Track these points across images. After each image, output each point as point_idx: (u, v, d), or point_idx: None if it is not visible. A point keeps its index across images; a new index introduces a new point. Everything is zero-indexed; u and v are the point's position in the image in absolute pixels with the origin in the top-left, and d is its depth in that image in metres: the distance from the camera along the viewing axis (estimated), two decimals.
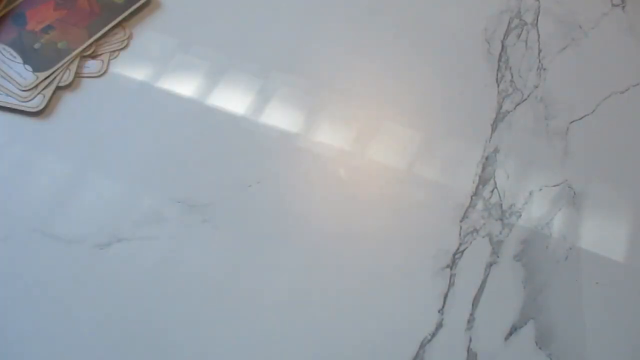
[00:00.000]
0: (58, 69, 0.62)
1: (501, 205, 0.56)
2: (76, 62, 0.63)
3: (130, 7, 0.66)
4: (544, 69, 0.64)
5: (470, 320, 0.51)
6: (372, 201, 0.56)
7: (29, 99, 0.60)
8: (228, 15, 0.68)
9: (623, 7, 0.69)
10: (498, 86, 0.63)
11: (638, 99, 0.63)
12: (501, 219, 0.56)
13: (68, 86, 0.61)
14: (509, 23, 0.68)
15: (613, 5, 0.69)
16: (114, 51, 0.64)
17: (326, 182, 0.57)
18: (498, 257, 0.54)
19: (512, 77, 0.64)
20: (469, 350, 0.50)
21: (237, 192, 0.56)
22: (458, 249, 0.54)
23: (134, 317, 0.50)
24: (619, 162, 0.59)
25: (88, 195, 0.56)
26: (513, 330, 0.51)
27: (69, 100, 0.61)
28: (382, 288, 0.52)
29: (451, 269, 0.53)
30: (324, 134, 0.60)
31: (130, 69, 0.63)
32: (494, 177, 0.58)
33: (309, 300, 0.51)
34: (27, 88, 0.60)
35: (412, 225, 0.55)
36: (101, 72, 0.63)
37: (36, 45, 0.63)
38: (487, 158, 0.59)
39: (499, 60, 0.65)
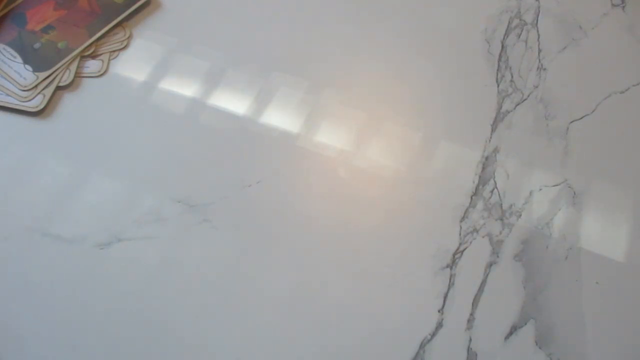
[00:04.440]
0: (58, 69, 0.62)
1: (501, 205, 0.56)
2: (76, 62, 0.63)
3: (130, 7, 0.66)
4: (544, 69, 0.64)
5: (470, 320, 0.51)
6: (372, 201, 0.56)
7: (29, 98, 0.60)
8: (228, 15, 0.68)
9: (623, 7, 0.69)
10: (498, 86, 0.63)
11: (638, 99, 0.63)
12: (501, 219, 0.56)
13: (68, 86, 0.61)
14: (509, 23, 0.68)
15: (613, 5, 0.69)
16: (114, 51, 0.64)
17: (326, 182, 0.57)
18: (498, 257, 0.54)
19: (512, 77, 0.64)
20: (469, 350, 0.50)
21: (237, 192, 0.56)
22: (458, 248, 0.54)
23: (134, 317, 0.50)
24: (619, 162, 0.59)
25: (88, 195, 0.56)
26: (513, 330, 0.51)
27: (69, 100, 0.61)
28: (382, 288, 0.52)
29: (451, 268, 0.53)
30: (324, 134, 0.60)
31: (130, 69, 0.63)
32: (494, 177, 0.58)
33: (309, 300, 0.51)
34: (27, 88, 0.60)
35: (412, 225, 0.55)
36: (101, 72, 0.63)
37: (36, 45, 0.63)
38: (487, 158, 0.59)
39: (499, 60, 0.65)
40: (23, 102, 0.60)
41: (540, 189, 0.57)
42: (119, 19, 0.65)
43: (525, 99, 0.62)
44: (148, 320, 0.50)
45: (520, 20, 0.68)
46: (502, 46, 0.66)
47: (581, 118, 0.61)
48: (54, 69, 0.62)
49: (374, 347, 0.50)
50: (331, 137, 0.60)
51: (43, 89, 0.61)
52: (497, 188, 0.57)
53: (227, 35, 0.66)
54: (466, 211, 0.56)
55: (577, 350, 0.50)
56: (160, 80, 0.63)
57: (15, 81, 0.61)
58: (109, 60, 0.64)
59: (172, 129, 0.60)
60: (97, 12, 0.66)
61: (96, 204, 0.55)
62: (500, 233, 0.55)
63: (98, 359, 0.49)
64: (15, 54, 0.62)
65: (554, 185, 0.57)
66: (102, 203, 0.55)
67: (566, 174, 0.58)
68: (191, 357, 0.49)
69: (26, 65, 0.62)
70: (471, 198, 0.57)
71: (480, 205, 0.56)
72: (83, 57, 0.63)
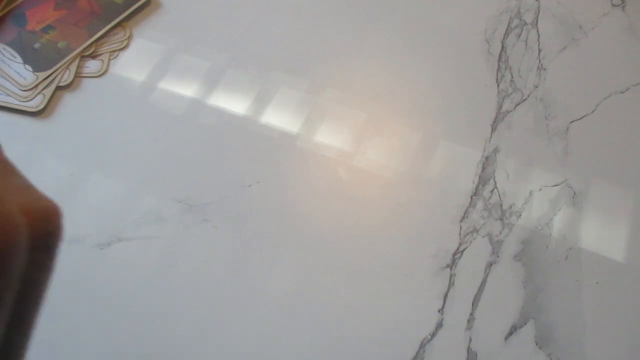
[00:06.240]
0: (58, 69, 0.62)
1: (501, 205, 0.56)
2: (76, 62, 0.63)
3: (130, 7, 0.66)
4: (544, 69, 0.64)
5: (470, 320, 0.51)
6: (372, 201, 0.56)
7: (29, 98, 0.60)
8: (228, 15, 0.68)
9: (623, 7, 0.69)
10: (498, 86, 0.63)
11: (638, 99, 0.63)
12: (501, 219, 0.56)
13: (68, 86, 0.61)
14: (509, 23, 0.68)
15: (613, 5, 0.69)
16: (114, 51, 0.64)
17: (326, 182, 0.57)
18: (498, 257, 0.54)
19: (512, 77, 0.64)
20: (469, 350, 0.50)
21: (237, 192, 0.56)
22: (458, 248, 0.54)
23: (134, 317, 0.50)
24: (619, 162, 0.59)
25: (88, 195, 0.56)
26: (513, 330, 0.51)
27: (69, 100, 0.61)
28: (382, 288, 0.52)
29: (451, 268, 0.53)
30: (324, 134, 0.60)
31: (130, 69, 0.63)
32: (494, 177, 0.58)
33: (309, 300, 0.51)
34: (27, 88, 0.60)
35: (412, 225, 0.55)
36: (101, 72, 0.63)
37: (36, 45, 0.63)
38: (487, 158, 0.59)
39: (499, 60, 0.65)
40: (23, 102, 0.60)
41: (540, 189, 0.57)
42: (119, 19, 0.66)
43: (525, 99, 0.62)
44: (148, 320, 0.50)
45: (520, 20, 0.68)
46: (502, 46, 0.66)
47: (581, 118, 0.61)
48: (54, 69, 0.62)
49: (374, 347, 0.50)
50: (331, 137, 0.60)
51: (43, 89, 0.61)
52: (497, 188, 0.57)
53: (227, 35, 0.66)
54: (466, 211, 0.56)
55: (577, 350, 0.50)
56: (160, 80, 0.63)
57: (15, 81, 0.61)
58: (109, 60, 0.64)
59: (172, 129, 0.60)
60: (97, 12, 0.66)
61: (96, 203, 0.55)
62: (500, 233, 0.55)
63: (98, 357, 0.49)
64: (15, 54, 0.62)
65: (554, 185, 0.57)
66: (102, 203, 0.55)
67: (566, 174, 0.58)
68: (191, 356, 0.49)
69: (26, 65, 0.62)
70: (471, 198, 0.57)
71: (480, 205, 0.56)
72: (83, 57, 0.63)
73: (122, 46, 0.65)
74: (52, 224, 0.20)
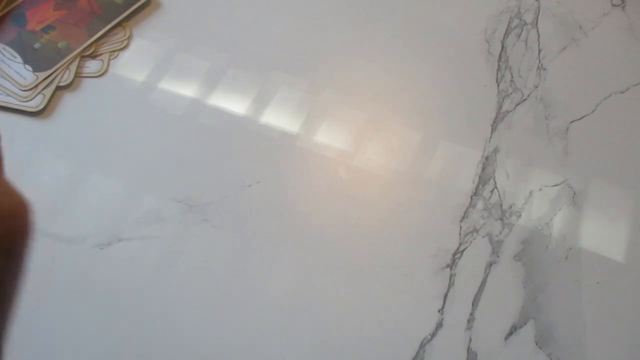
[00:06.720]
0: (58, 68, 0.62)
1: (501, 205, 0.56)
2: (76, 62, 0.63)
3: (130, 7, 0.66)
4: (544, 69, 0.64)
5: (470, 320, 0.51)
6: (372, 201, 0.56)
7: (29, 98, 0.60)
8: (228, 15, 0.68)
9: (623, 7, 0.69)
10: (498, 86, 0.63)
11: (638, 99, 0.63)
12: (501, 219, 0.56)
13: (68, 86, 0.61)
14: (509, 23, 0.68)
15: (613, 5, 0.69)
16: (114, 51, 0.64)
17: (326, 182, 0.57)
18: (498, 257, 0.54)
19: (512, 77, 0.64)
20: (469, 349, 0.50)
21: (237, 192, 0.56)
22: (458, 248, 0.54)
23: (134, 316, 0.50)
24: (619, 162, 0.59)
25: (88, 195, 0.56)
26: (513, 330, 0.51)
27: (69, 100, 0.61)
28: (382, 288, 0.52)
29: (451, 268, 0.53)
30: (324, 134, 0.60)
31: (130, 69, 0.63)
32: (494, 177, 0.58)
33: (309, 300, 0.51)
34: (27, 88, 0.60)
35: (412, 225, 0.55)
36: (101, 72, 0.63)
37: (36, 45, 0.63)
38: (487, 158, 0.59)
39: (499, 60, 0.65)
40: (23, 102, 0.60)
41: (540, 189, 0.57)
42: (119, 19, 0.66)
43: (525, 99, 0.62)
44: (148, 320, 0.50)
45: (520, 20, 0.68)
46: (502, 46, 0.66)
47: (581, 118, 0.61)
48: (54, 69, 0.62)
49: (374, 347, 0.50)
50: (331, 137, 0.60)
51: (43, 89, 0.61)
52: (497, 188, 0.57)
53: (227, 35, 0.66)
54: (466, 211, 0.56)
55: (577, 350, 0.50)
56: (160, 80, 0.63)
57: (15, 81, 0.61)
58: (109, 60, 0.64)
59: (172, 129, 0.60)
60: (97, 12, 0.66)
61: (96, 203, 0.55)
62: (500, 233, 0.55)
63: (98, 357, 0.49)
64: (15, 54, 0.62)
65: (554, 185, 0.57)
66: (102, 203, 0.55)
67: (566, 174, 0.58)
68: (191, 355, 0.49)
69: (26, 65, 0.62)
70: (471, 198, 0.57)
71: (480, 205, 0.56)
72: (83, 57, 0.63)
73: (122, 46, 0.65)
74: (16, 223, 0.17)
